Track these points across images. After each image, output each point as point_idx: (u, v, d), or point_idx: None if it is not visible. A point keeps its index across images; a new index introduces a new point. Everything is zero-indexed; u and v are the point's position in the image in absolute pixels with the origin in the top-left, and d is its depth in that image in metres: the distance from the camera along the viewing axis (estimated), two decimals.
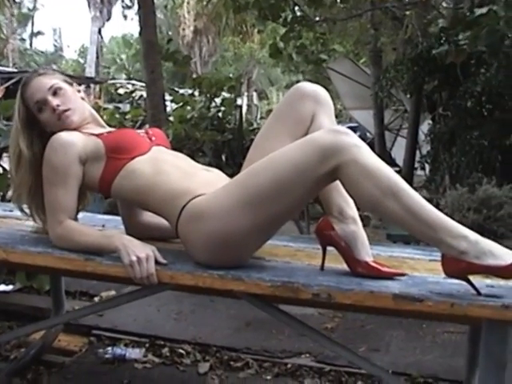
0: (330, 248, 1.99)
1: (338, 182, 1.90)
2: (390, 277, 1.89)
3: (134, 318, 3.63)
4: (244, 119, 10.76)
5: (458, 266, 1.74)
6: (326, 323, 3.67)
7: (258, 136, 2.20)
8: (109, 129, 2.37)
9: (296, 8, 8.25)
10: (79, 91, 2.41)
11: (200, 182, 2.07)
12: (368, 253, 1.95)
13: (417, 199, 1.76)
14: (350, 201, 1.99)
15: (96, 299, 3.91)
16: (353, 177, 1.79)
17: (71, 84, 2.37)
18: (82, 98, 2.40)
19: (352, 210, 1.99)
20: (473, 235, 1.74)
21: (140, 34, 7.48)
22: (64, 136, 2.16)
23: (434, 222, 1.74)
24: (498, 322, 1.72)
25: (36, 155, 2.21)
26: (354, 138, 1.82)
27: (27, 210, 2.32)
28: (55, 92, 2.26)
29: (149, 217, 2.35)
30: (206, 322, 3.68)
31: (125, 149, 2.14)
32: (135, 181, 2.10)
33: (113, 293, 3.91)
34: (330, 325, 3.68)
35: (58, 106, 2.23)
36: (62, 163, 2.12)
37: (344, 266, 1.96)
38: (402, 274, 1.91)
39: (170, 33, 27.41)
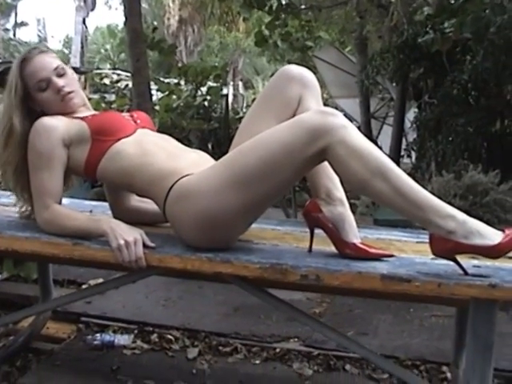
0: (318, 231, 1.99)
1: (325, 165, 1.90)
2: (377, 258, 1.90)
3: (122, 305, 3.63)
4: (230, 108, 10.74)
5: (445, 245, 1.75)
6: (314, 308, 3.68)
7: (244, 120, 2.19)
8: (94, 112, 2.35)
9: None
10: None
11: (186, 162, 2.06)
12: (356, 234, 1.95)
13: (405, 180, 1.77)
14: (338, 183, 1.99)
15: (84, 287, 3.90)
16: (341, 158, 1.78)
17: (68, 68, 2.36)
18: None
19: (340, 192, 1.99)
20: (461, 215, 1.75)
21: (125, 22, 7.45)
22: (47, 120, 2.15)
23: (423, 202, 1.75)
24: (484, 301, 1.74)
25: (25, 133, 2.17)
26: (341, 119, 1.81)
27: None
28: (60, 73, 2.24)
29: (136, 201, 2.35)
30: (194, 308, 3.68)
31: (109, 131, 2.13)
32: (120, 162, 2.09)
33: (100, 280, 3.90)
34: (318, 310, 3.69)
35: (63, 87, 2.22)
36: (45, 147, 2.11)
37: (332, 249, 1.96)
38: (390, 256, 1.91)
39: (155, 22, 27.21)
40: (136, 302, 3.70)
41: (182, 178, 1.96)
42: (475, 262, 1.91)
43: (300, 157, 1.81)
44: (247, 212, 1.92)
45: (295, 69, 2.11)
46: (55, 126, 2.13)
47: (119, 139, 2.12)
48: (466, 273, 1.78)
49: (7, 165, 2.23)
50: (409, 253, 2.04)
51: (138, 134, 2.18)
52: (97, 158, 2.12)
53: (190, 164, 2.05)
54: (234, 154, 1.93)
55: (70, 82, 2.26)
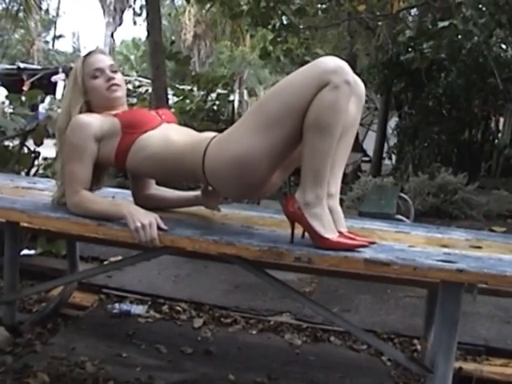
0: None
1: (336, 162, 1.88)
2: (361, 245, 1.87)
3: (138, 280, 3.62)
4: (236, 112, 10.71)
5: (295, 211, 1.82)
6: (305, 287, 3.67)
7: None
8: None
9: (283, 17, 8.20)
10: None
11: (208, 135, 2.03)
12: (343, 225, 1.90)
13: (331, 150, 1.79)
14: (338, 180, 1.95)
15: (105, 263, 3.89)
16: (324, 101, 1.74)
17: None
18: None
19: (335, 188, 1.93)
20: (324, 201, 1.81)
21: (147, 36, 7.44)
22: (82, 118, 2.13)
23: (319, 171, 1.79)
24: (452, 283, 1.74)
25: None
26: (350, 76, 1.77)
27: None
28: (113, 70, 2.26)
29: (154, 190, 2.34)
30: (200, 284, 3.68)
31: (137, 124, 2.11)
32: (148, 149, 2.06)
33: (120, 258, 3.89)
34: (308, 289, 3.69)
35: (113, 78, 2.24)
36: (78, 142, 2.09)
37: None
38: (372, 243, 1.89)
39: (173, 37, 27.13)
40: (150, 278, 3.70)
41: (212, 139, 1.95)
42: (446, 250, 1.91)
43: (311, 95, 1.76)
44: (274, 154, 1.85)
45: (331, 62, 1.85)
46: (90, 122, 2.11)
47: (145, 131, 2.10)
48: (292, 241, 1.85)
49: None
50: (389, 240, 2.03)
51: (163, 126, 2.16)
52: (125, 148, 2.10)
53: (211, 135, 2.01)
54: (257, 104, 1.95)
55: (119, 80, 2.27)
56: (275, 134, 1.81)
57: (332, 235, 1.79)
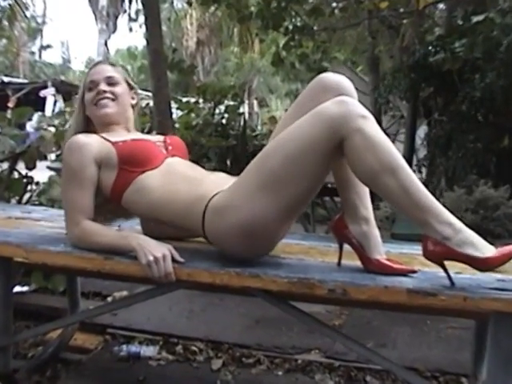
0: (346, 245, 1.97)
1: (356, 181, 1.88)
2: (402, 273, 1.87)
3: (147, 317, 3.60)
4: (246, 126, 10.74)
5: (438, 249, 1.74)
6: (334, 320, 3.64)
7: (277, 128, 2.12)
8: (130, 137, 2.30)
9: (297, 18, 8.25)
10: (133, 98, 2.42)
11: (210, 184, 2.03)
12: (380, 251, 1.92)
13: (414, 180, 1.75)
14: (366, 200, 1.96)
15: (109, 299, 3.88)
16: (356, 148, 1.74)
17: (131, 87, 2.38)
18: (132, 106, 2.40)
19: (366, 210, 1.95)
20: (458, 224, 1.74)
21: (147, 44, 7.47)
22: (81, 138, 2.15)
23: (425, 204, 1.73)
24: (508, 314, 1.70)
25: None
26: (361, 109, 1.77)
27: None
28: (110, 82, 2.28)
29: None
30: (217, 319, 3.65)
31: (136, 162, 2.12)
32: (147, 197, 2.07)
33: (125, 293, 3.88)
34: (338, 322, 3.65)
35: (104, 91, 2.25)
36: (78, 165, 2.10)
37: (358, 263, 1.93)
38: (414, 271, 1.88)
39: (173, 44, 27.33)
40: (160, 314, 3.68)
41: (212, 197, 1.94)
42: (499, 276, 1.88)
43: (321, 149, 1.77)
44: (284, 215, 1.88)
45: (332, 77, 2.02)
46: (89, 143, 2.12)
47: (144, 171, 2.10)
48: (452, 282, 1.77)
49: None
50: (432, 267, 1.99)
51: (166, 164, 2.16)
52: (122, 187, 2.12)
53: (215, 185, 2.01)
54: (260, 159, 1.89)
55: (116, 93, 2.27)
56: (284, 195, 1.83)
57: (491, 252, 1.72)
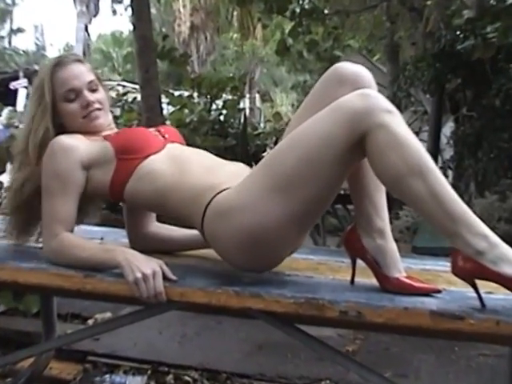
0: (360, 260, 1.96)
1: (371, 189, 1.88)
2: (424, 293, 1.86)
3: (133, 342, 3.61)
4: (247, 123, 10.75)
5: (469, 265, 1.69)
6: (347, 346, 3.65)
7: (286, 129, 2.12)
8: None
9: (305, 0, 8.27)
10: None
11: (225, 175, 2.03)
12: (399, 268, 1.89)
13: (444, 184, 1.71)
14: (382, 210, 1.94)
15: (90, 322, 3.89)
16: (380, 146, 1.72)
17: (101, 81, 2.36)
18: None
19: (382, 222, 1.93)
20: (494, 237, 1.69)
21: (134, 30, 7.47)
22: (65, 139, 2.13)
23: (457, 213, 1.69)
24: None
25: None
26: (386, 103, 1.76)
27: None
28: (92, 88, 2.25)
29: (156, 227, 2.33)
30: (213, 345, 3.66)
31: (135, 148, 2.11)
32: (155, 183, 2.06)
33: (108, 315, 3.89)
34: (351, 347, 3.66)
35: (92, 102, 2.23)
36: (61, 169, 2.09)
37: (374, 281, 1.93)
38: (438, 291, 1.87)
39: (163, 29, 27.39)
40: (149, 339, 3.68)
41: (218, 193, 1.93)
42: None
43: (340, 147, 1.75)
44: (296, 222, 1.86)
45: (349, 67, 2.00)
46: (74, 146, 2.11)
47: (147, 156, 2.09)
48: (482, 304, 1.74)
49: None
50: (459, 286, 1.99)
51: (169, 149, 2.16)
52: (123, 178, 2.10)
53: (230, 177, 2.00)
54: (271, 158, 1.89)
55: (102, 101, 2.26)
56: (297, 199, 1.81)
57: None
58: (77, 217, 2.19)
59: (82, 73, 2.25)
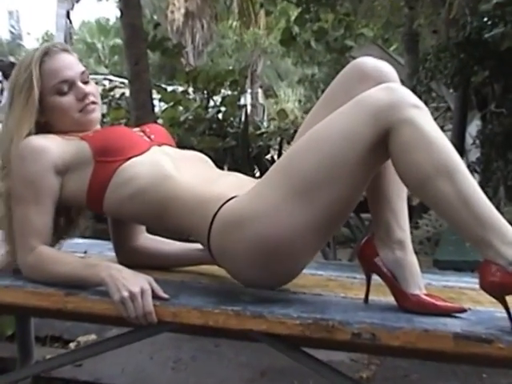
0: (375, 276, 1.96)
1: (390, 195, 1.88)
2: (447, 313, 1.86)
3: (121, 368, 3.61)
4: (249, 122, 10.75)
5: (500, 279, 1.68)
6: (360, 372, 3.64)
7: (299, 130, 2.13)
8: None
9: None
10: None
11: (226, 185, 2.03)
12: (419, 285, 1.90)
13: (475, 187, 1.71)
14: (403, 220, 1.94)
15: (72, 345, 3.88)
16: (405, 143, 1.73)
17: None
18: None
19: (402, 232, 1.93)
20: None
21: (121, 16, 7.46)
22: (35, 141, 2.12)
23: (488, 218, 1.68)
24: None
25: None
26: (413, 98, 1.77)
27: None
28: (85, 80, 2.25)
29: (145, 239, 2.33)
30: (210, 371, 3.65)
31: (116, 149, 2.10)
32: (134, 183, 2.04)
33: (93, 337, 3.89)
34: (366, 374, 3.65)
35: (89, 94, 2.23)
36: (32, 175, 2.08)
37: (391, 299, 1.93)
38: (463, 310, 1.87)
39: (155, 17, 27.47)
40: (138, 365, 3.68)
41: (226, 202, 1.92)
42: None
43: (365, 146, 1.76)
44: (318, 230, 1.86)
45: (370, 63, 2.02)
46: (46, 147, 2.10)
47: (129, 158, 2.08)
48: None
49: None
50: (486, 305, 2.00)
51: (154, 151, 2.15)
52: (102, 183, 2.08)
53: (232, 187, 2.01)
54: (288, 160, 1.89)
55: (95, 95, 2.26)
56: (318, 205, 1.81)
57: None
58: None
59: (73, 63, 2.25)
